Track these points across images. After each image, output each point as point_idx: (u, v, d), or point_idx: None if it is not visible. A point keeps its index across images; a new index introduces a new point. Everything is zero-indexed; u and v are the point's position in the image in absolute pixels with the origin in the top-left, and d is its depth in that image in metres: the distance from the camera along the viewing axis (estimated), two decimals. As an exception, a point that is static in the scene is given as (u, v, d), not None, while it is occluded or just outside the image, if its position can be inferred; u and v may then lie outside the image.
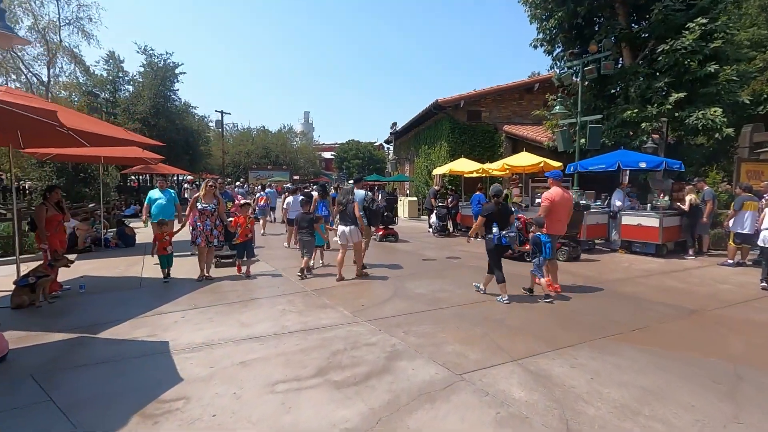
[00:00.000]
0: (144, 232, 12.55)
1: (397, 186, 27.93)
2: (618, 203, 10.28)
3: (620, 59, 13.89)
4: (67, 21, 20.09)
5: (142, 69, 25.03)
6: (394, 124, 26.56)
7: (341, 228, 7.10)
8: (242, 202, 8.76)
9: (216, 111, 41.55)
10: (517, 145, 18.24)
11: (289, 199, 10.92)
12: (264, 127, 57.27)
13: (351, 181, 10.25)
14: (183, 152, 26.82)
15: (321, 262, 8.52)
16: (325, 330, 4.68)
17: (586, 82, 13.15)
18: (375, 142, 69.98)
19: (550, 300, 5.69)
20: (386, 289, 6.53)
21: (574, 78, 13.18)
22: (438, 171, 14.62)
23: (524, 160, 11.79)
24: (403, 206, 21.01)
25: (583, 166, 10.69)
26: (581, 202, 10.13)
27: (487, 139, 20.23)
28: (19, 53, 19.20)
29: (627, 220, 9.83)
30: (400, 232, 12.73)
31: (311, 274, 7.52)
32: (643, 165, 9.85)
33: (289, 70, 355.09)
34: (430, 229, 13.79)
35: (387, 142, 34.60)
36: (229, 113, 46.62)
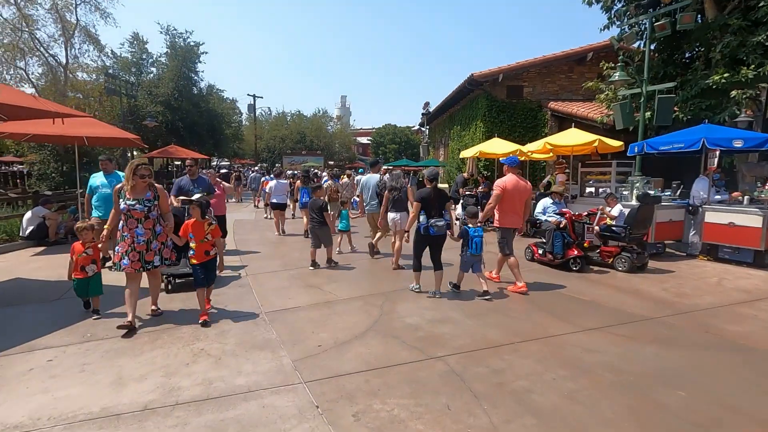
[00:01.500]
0: None
1: (429, 172, 25.84)
2: (702, 194, 7.77)
3: (699, 16, 10.97)
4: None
5: (166, 50, 24.18)
6: (427, 104, 24.30)
7: (392, 215, 6.75)
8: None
9: (248, 95, 40.34)
10: (565, 124, 15.60)
11: (272, 183, 10.30)
12: (299, 111, 56.31)
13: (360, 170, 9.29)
14: (208, 136, 25.94)
15: (351, 246, 8.30)
16: (232, 401, 2.90)
17: (654, 43, 10.47)
18: (413, 127, 67.59)
19: (488, 297, 5.12)
20: (364, 315, 4.67)
21: (638, 39, 10.52)
22: (466, 153, 12.39)
23: (572, 138, 9.33)
24: (432, 194, 18.91)
25: (653, 146, 8.19)
26: (649, 192, 7.73)
27: (530, 118, 17.66)
28: (36, 33, 18.66)
29: (713, 217, 7.33)
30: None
31: (334, 263, 6.96)
32: (738, 144, 7.28)
33: (326, 53, 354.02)
34: (457, 222, 11.69)
35: (421, 125, 32.35)
36: (261, 97, 45.52)
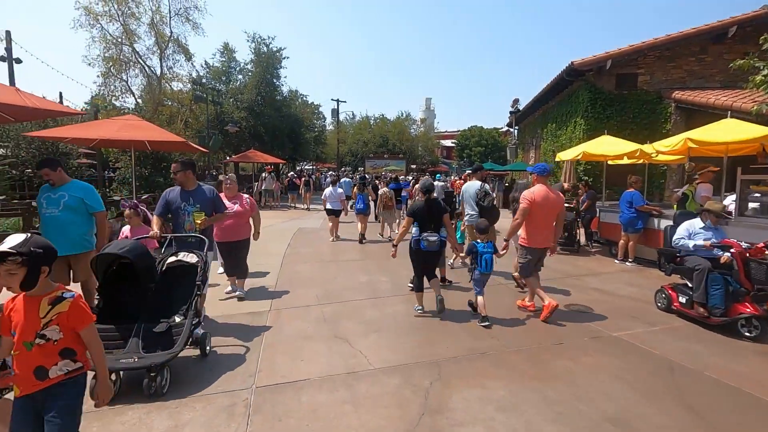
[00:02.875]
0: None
1: (518, 175, 23.07)
2: None
3: None
4: (176, 12, 20.23)
5: (253, 57, 24.73)
6: (516, 101, 21.74)
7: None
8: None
9: (332, 100, 40.69)
10: (694, 117, 12.37)
11: (327, 190, 10.28)
12: (383, 115, 55.97)
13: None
14: (288, 140, 26.09)
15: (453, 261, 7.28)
16: None
17: None
18: (500, 128, 63.86)
19: (487, 324, 4.47)
20: (396, 408, 3.00)
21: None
22: (565, 155, 10.01)
23: (728, 132, 6.53)
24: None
25: None
26: None
27: (646, 112, 14.52)
28: (136, 47, 19.96)
29: None
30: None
31: (449, 282, 6.19)
32: None
33: (411, 55, 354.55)
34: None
35: (508, 125, 29.56)
36: (345, 101, 45.71)
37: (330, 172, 26.33)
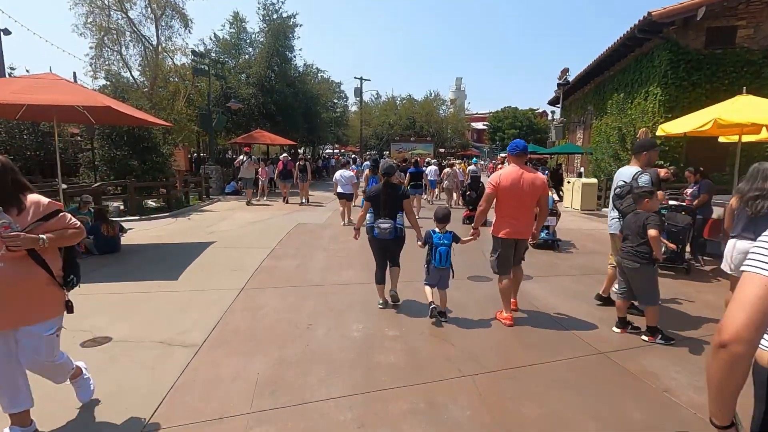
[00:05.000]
0: (141, 232, 8.71)
1: (563, 160, 19.90)
2: None
3: None
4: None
5: (262, 25, 22.19)
6: (565, 71, 18.41)
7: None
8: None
9: (355, 78, 37.94)
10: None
11: (338, 174, 10.15)
12: (410, 95, 52.67)
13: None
14: (303, 120, 23.60)
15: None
16: None
17: None
18: (536, 109, 59.53)
19: (444, 320, 4.11)
20: None
21: None
22: (676, 127, 6.69)
23: None
24: (573, 191, 13.50)
25: None
26: None
27: (747, 77, 11.21)
28: (131, 16, 17.77)
29: None
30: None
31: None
32: None
33: (440, 34, 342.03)
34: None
35: (552, 102, 26.12)
36: (369, 80, 42.84)
37: (353, 156, 23.67)
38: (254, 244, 7.54)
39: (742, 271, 1.10)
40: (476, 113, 67.28)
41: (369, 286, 5.26)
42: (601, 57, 15.69)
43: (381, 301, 4.54)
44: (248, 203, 13.29)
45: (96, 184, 8.35)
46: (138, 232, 8.68)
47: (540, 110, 61.80)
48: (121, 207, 10.61)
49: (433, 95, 53.22)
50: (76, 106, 5.95)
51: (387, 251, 4.49)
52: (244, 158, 14.07)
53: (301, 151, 13.01)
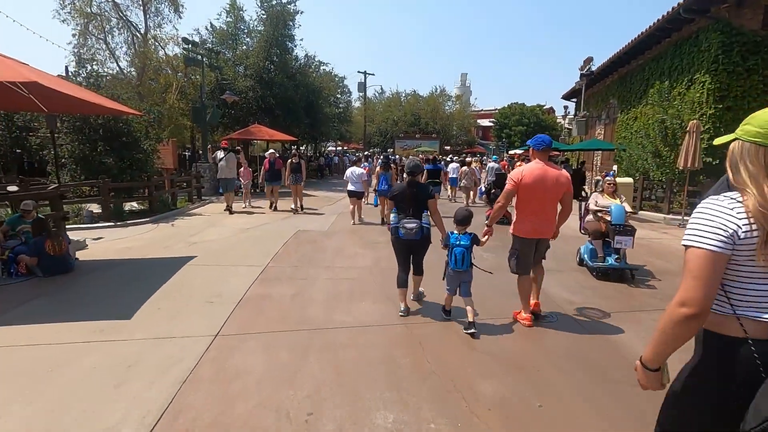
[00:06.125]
0: (109, 243, 7.32)
1: (585, 157, 18.40)
2: None
3: None
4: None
5: (259, 11, 20.69)
6: (589, 61, 16.92)
7: None
8: None
9: (358, 72, 36.53)
10: None
11: (349, 170, 9.79)
12: (415, 91, 51.16)
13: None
14: (304, 114, 22.15)
15: None
16: None
17: None
18: (543, 105, 58.01)
19: (472, 332, 3.73)
20: None
21: None
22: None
23: None
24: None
25: None
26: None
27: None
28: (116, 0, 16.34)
29: None
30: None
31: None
32: None
33: (444, 28, 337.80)
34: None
35: (567, 96, 24.65)
36: (373, 74, 41.45)
37: (365, 153, 22.12)
38: (243, 260, 6.13)
39: (684, 245, 1.27)
40: (481, 110, 65.74)
41: (392, 328, 3.85)
42: (631, 44, 14.23)
43: (402, 309, 4.20)
44: (229, 211, 10.75)
45: (52, 187, 6.93)
46: (105, 243, 7.28)
47: (547, 106, 60.27)
48: (95, 211, 9.24)
49: (438, 91, 51.77)
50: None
51: (411, 253, 4.31)
52: (221, 154, 11.21)
53: (293, 147, 11.34)
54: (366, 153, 22.28)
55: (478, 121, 61.94)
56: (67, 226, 8.10)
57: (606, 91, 18.77)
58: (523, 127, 53.81)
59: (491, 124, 60.55)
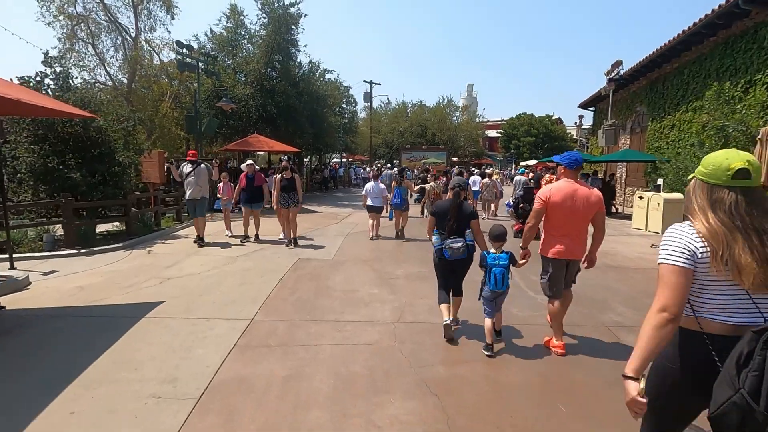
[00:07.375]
0: (60, 279, 5.79)
1: (614, 170, 16.89)
2: None
3: None
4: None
5: (259, 14, 19.48)
6: (618, 64, 15.50)
7: None
8: None
9: (364, 81, 35.41)
10: None
11: (368, 185, 9.27)
12: (421, 101, 50.03)
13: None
14: (308, 124, 20.81)
15: None
16: None
17: None
18: (552, 115, 56.85)
19: (491, 354, 3.67)
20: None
21: None
22: None
23: None
24: (649, 209, 10.61)
25: None
26: None
27: None
28: (105, 1, 15.13)
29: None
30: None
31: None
32: None
33: (453, 38, 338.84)
34: None
35: (586, 105, 23.27)
36: (379, 84, 40.27)
37: (378, 164, 20.67)
38: (222, 309, 4.62)
39: (659, 263, 1.54)
40: (488, 121, 64.57)
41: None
42: (669, 44, 12.80)
43: (448, 319, 4.00)
44: (200, 242, 8.14)
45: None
46: (56, 279, 5.79)
47: (556, 117, 59.17)
48: (57, 236, 7.79)
49: (445, 101, 50.63)
50: None
51: (454, 273, 4.16)
52: (189, 168, 8.19)
53: (285, 158, 9.92)
54: (388, 165, 20.90)
55: (486, 132, 60.81)
56: (18, 255, 6.66)
57: (632, 98, 17.33)
58: (532, 137, 52.57)
59: (499, 135, 59.32)
